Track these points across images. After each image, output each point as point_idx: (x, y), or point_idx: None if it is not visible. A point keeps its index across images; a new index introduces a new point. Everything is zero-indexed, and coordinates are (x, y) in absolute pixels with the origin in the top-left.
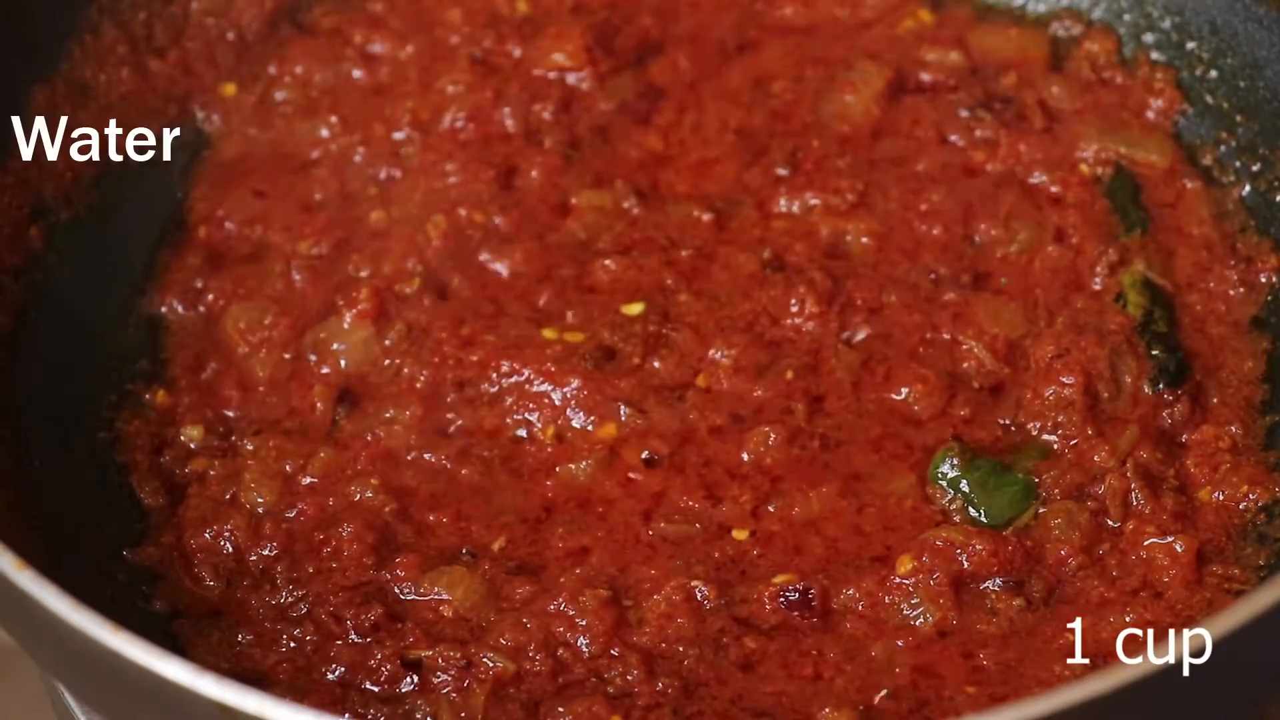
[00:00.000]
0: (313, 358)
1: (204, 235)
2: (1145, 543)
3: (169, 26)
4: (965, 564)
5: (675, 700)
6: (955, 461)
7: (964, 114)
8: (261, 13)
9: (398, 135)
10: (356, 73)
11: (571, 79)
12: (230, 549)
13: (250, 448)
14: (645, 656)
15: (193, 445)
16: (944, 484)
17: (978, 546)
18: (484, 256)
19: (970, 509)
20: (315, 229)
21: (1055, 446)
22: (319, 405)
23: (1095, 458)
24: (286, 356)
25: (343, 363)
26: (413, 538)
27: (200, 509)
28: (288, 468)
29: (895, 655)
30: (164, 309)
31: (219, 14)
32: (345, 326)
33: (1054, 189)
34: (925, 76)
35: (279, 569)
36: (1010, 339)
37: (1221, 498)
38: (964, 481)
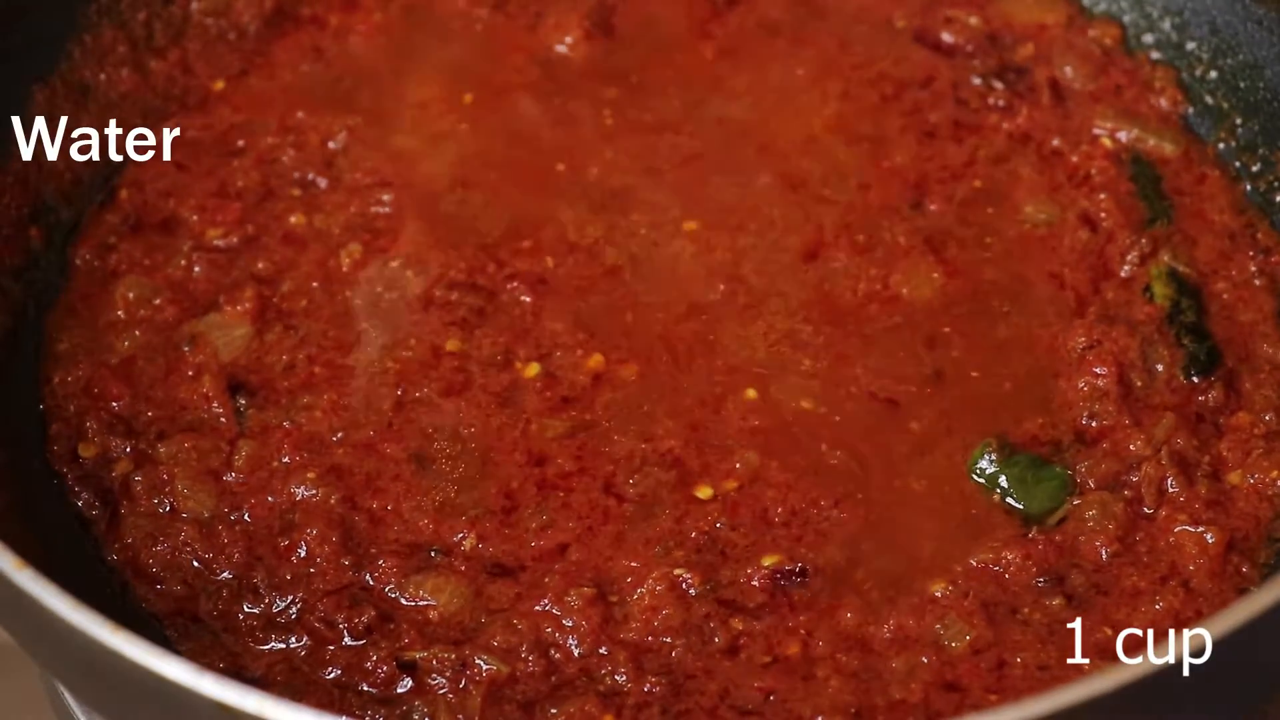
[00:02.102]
0: (186, 348)
1: (125, 198)
2: (1175, 529)
3: (169, 26)
4: (1006, 577)
5: (664, 699)
6: (993, 457)
7: (976, 81)
8: (261, 13)
9: (331, 145)
10: (330, 69)
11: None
12: (197, 564)
13: (165, 451)
14: (633, 653)
15: (105, 451)
16: (982, 480)
17: (1010, 556)
18: (391, 296)
19: (1010, 500)
20: (228, 218)
21: (1091, 436)
22: (213, 399)
23: (1131, 446)
24: (154, 340)
25: (219, 355)
26: (370, 528)
27: (140, 526)
28: (213, 466)
29: (917, 669)
30: (78, 262)
31: (219, 14)
32: (224, 321)
33: (1074, 158)
34: (946, 37)
35: (258, 578)
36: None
37: (1253, 480)
38: (1002, 477)
